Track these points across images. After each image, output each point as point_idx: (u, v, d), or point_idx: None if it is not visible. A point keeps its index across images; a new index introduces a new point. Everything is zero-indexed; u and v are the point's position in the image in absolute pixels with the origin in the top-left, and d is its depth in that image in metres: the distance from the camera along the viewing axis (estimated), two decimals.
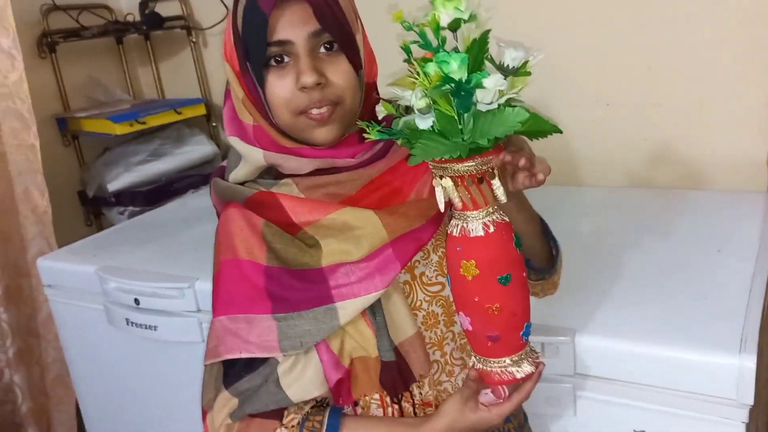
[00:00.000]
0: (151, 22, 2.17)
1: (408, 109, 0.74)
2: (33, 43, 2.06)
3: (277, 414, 0.80)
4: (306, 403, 0.81)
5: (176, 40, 2.27)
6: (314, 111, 0.77)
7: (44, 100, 2.06)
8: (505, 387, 0.77)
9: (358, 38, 0.81)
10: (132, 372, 1.53)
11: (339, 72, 0.77)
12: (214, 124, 2.29)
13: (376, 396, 0.84)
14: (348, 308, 0.79)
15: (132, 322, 1.40)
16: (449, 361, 0.87)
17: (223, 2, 2.10)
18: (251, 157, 0.83)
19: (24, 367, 1.91)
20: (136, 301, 1.38)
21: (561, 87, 1.63)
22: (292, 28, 0.75)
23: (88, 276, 1.46)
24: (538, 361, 0.78)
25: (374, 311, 0.81)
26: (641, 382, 0.96)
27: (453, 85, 0.64)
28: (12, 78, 1.77)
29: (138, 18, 2.19)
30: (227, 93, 0.85)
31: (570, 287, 1.12)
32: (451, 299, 0.88)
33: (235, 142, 0.84)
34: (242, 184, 0.86)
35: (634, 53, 1.57)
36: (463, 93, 0.65)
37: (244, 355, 0.79)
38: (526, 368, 0.76)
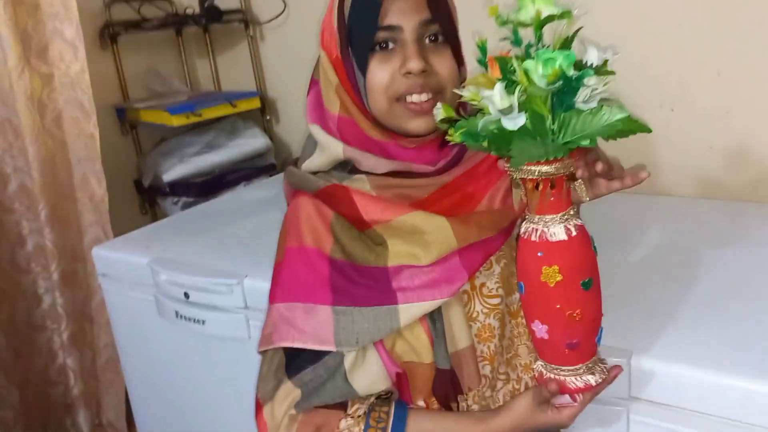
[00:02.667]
0: (210, 15, 2.18)
1: (472, 112, 0.72)
2: (95, 33, 2.10)
3: (341, 405, 0.80)
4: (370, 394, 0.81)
5: (234, 33, 2.28)
6: (414, 97, 0.76)
7: (105, 90, 2.10)
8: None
9: (459, 35, 0.80)
10: (180, 363, 1.55)
11: (444, 63, 0.77)
12: (268, 117, 2.30)
13: (421, 403, 0.83)
14: (410, 312, 0.77)
15: (181, 315, 1.42)
16: (495, 376, 0.86)
17: None
18: (330, 148, 0.82)
19: (77, 350, 1.97)
20: (186, 294, 1.39)
21: (622, 90, 1.55)
22: (404, 14, 0.75)
23: (140, 267, 1.48)
24: (608, 366, 0.76)
25: (434, 318, 0.79)
26: (702, 410, 0.91)
27: (562, 82, 0.62)
28: (74, 68, 1.81)
29: (197, 11, 2.21)
30: (313, 82, 0.85)
31: (629, 305, 1.08)
32: (512, 309, 0.86)
33: (316, 130, 0.84)
34: (314, 173, 0.85)
35: (702, 57, 1.50)
36: (569, 91, 0.63)
37: (296, 345, 0.78)
38: (600, 375, 0.74)
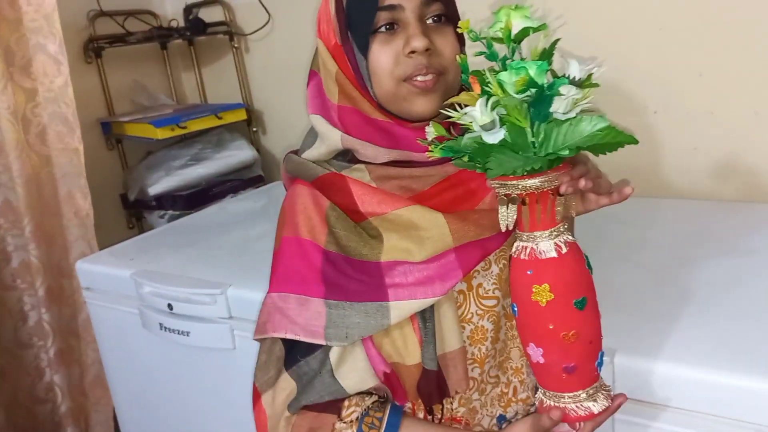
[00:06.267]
0: (195, 27, 2.19)
1: (462, 131, 0.71)
2: (80, 48, 2.10)
3: (334, 407, 0.78)
4: (368, 395, 0.80)
5: (219, 45, 2.28)
6: (419, 78, 0.75)
7: (90, 104, 2.10)
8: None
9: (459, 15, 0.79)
10: (166, 376, 1.53)
11: (446, 42, 0.76)
12: (254, 129, 2.30)
13: (408, 405, 0.82)
14: (401, 309, 0.76)
15: (165, 327, 1.40)
16: (485, 380, 0.84)
17: (265, 9, 2.11)
18: (329, 138, 0.81)
19: (64, 367, 1.95)
20: (170, 306, 1.38)
21: (606, 93, 1.56)
22: None
23: (124, 280, 1.47)
24: (612, 393, 0.74)
25: (425, 317, 0.78)
26: (686, 407, 0.91)
27: (534, 91, 0.61)
28: (58, 83, 1.81)
29: (182, 24, 2.22)
30: (312, 74, 0.84)
31: (613, 304, 1.06)
32: (508, 311, 0.84)
33: (316, 120, 0.83)
34: (314, 162, 0.84)
35: (685, 59, 1.51)
36: (542, 100, 0.62)
37: (288, 336, 0.77)
38: (602, 402, 0.72)
